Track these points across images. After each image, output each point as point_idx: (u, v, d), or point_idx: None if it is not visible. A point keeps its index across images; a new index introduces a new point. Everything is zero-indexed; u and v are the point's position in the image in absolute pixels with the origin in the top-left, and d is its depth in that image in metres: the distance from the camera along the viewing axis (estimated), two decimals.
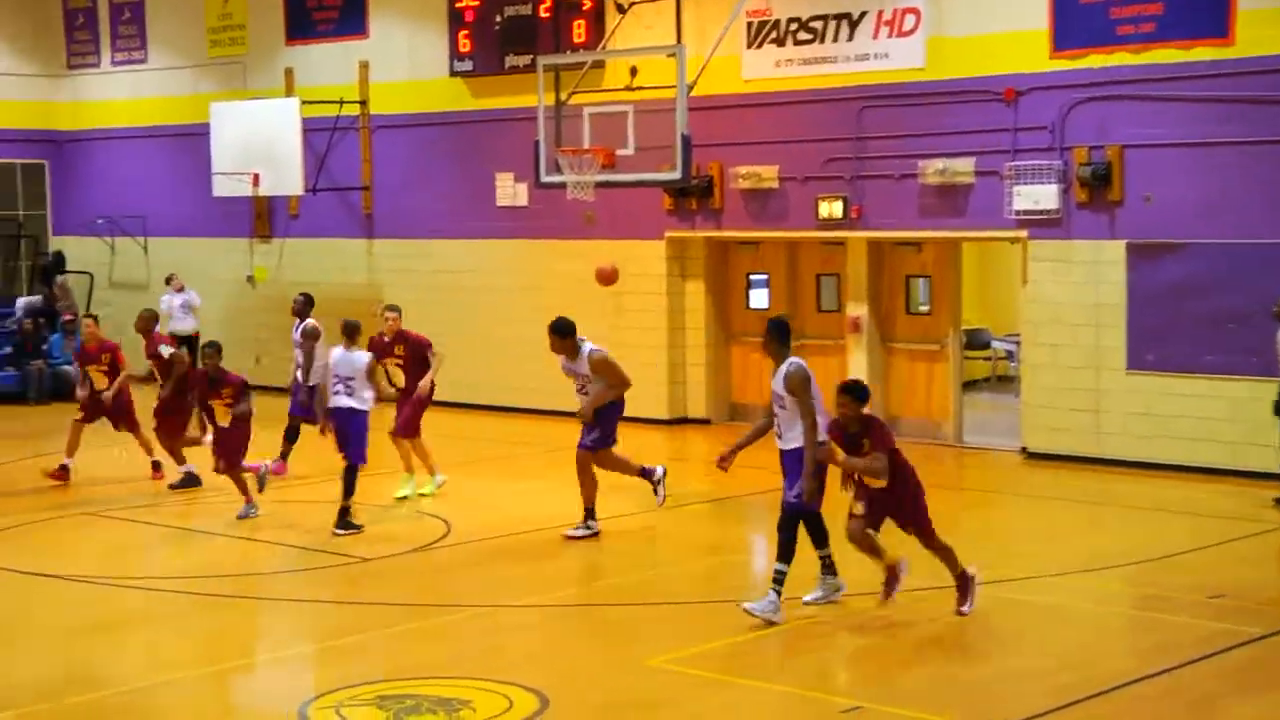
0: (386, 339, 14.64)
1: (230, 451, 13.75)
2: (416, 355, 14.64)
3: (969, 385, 20.02)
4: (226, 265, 23.65)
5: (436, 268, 21.22)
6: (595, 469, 12.90)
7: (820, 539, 10.37)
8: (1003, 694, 8.68)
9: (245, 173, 20.92)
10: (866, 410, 10.08)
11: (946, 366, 17.81)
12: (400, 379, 14.57)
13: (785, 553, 9.96)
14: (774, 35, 18.01)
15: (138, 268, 24.49)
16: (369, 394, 13.20)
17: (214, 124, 21.50)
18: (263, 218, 23.20)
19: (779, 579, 9.89)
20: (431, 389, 14.68)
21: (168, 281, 22.83)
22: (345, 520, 12.91)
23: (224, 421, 13.74)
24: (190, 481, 14.99)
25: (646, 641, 9.79)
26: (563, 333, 12.81)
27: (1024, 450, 16.69)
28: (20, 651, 9.91)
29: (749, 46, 18.19)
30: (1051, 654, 9.39)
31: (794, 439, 10.08)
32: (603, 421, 12.86)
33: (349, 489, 12.93)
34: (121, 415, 15.40)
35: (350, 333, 13.35)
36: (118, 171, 24.93)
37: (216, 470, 13.90)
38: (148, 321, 15.52)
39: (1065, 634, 9.91)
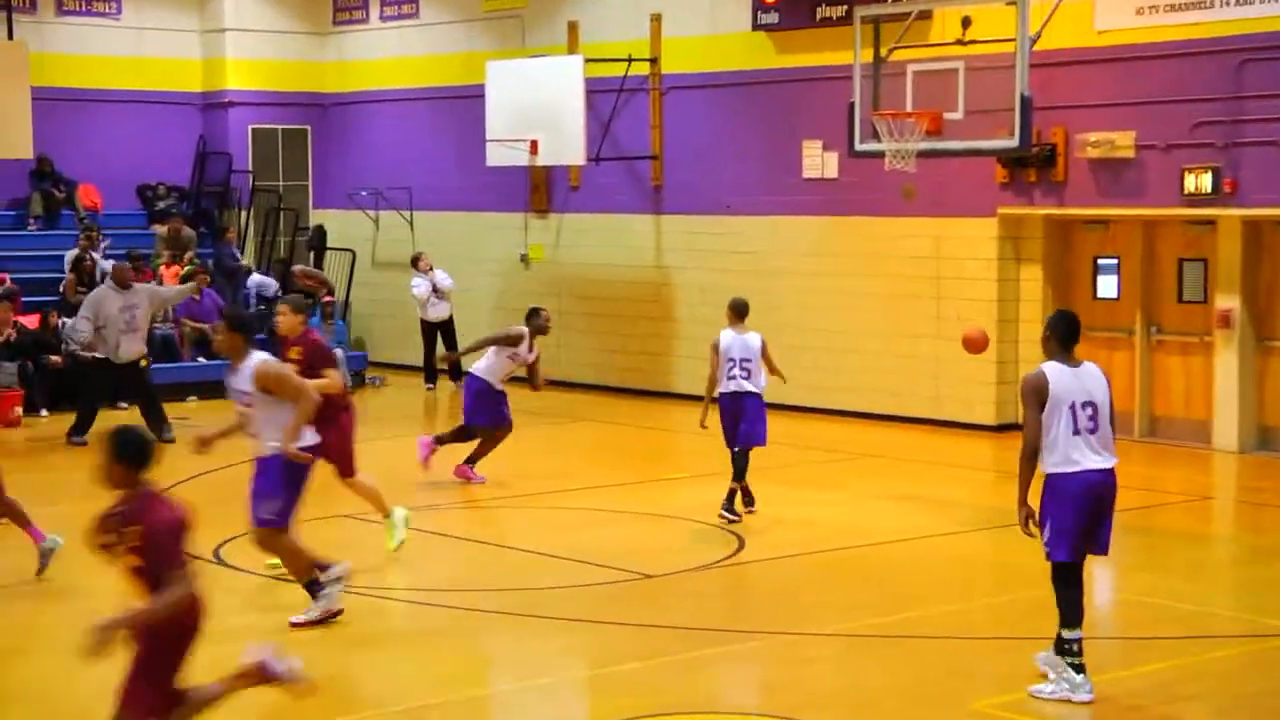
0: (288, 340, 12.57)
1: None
2: (316, 366, 12.24)
3: None
4: (498, 243, 24.17)
5: (733, 248, 21.25)
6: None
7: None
8: None
9: (523, 139, 21.30)
10: None
11: None
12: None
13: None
14: None
15: (403, 245, 25.24)
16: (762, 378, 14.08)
17: (489, 85, 21.92)
18: (540, 190, 23.62)
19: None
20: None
21: (414, 263, 23.44)
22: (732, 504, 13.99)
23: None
24: None
25: (970, 680, 9.58)
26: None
27: None
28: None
29: None
30: None
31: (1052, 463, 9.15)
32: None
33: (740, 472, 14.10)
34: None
35: (743, 314, 14.18)
36: (384, 138, 25.76)
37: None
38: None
39: None
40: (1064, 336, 9.27)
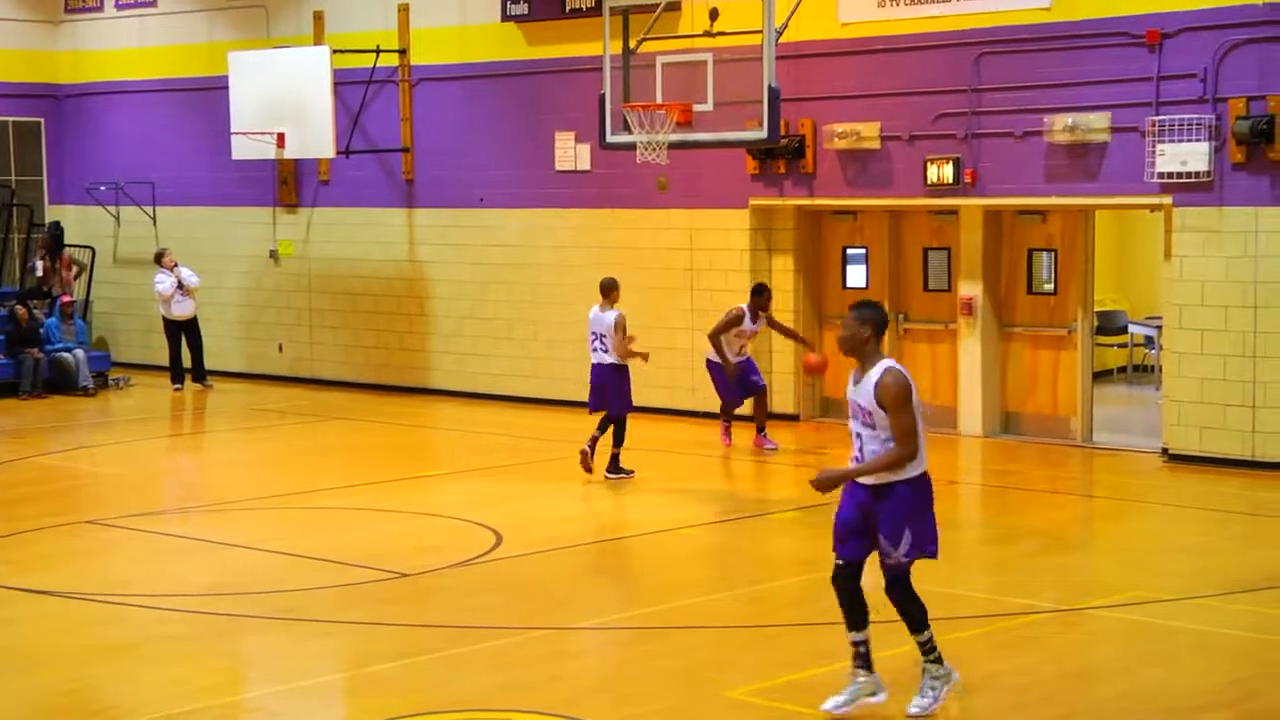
0: None
1: None
2: None
3: (1101, 376, 19.86)
4: (247, 238, 23.84)
5: (488, 241, 21.29)
6: None
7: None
8: None
9: (269, 133, 21.05)
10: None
11: (1075, 355, 17.67)
12: None
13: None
14: None
15: (146, 241, 24.73)
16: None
17: (232, 77, 21.62)
18: (289, 184, 23.36)
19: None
20: None
21: (158, 260, 23.03)
22: (617, 465, 15.63)
23: None
24: None
25: (727, 670, 9.78)
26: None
27: (1165, 452, 16.52)
28: (17, 680, 10.02)
29: None
30: (1202, 688, 9.28)
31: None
32: None
33: (619, 438, 15.68)
34: None
35: (605, 292, 15.87)
36: (123, 131, 25.19)
37: None
38: None
39: (1218, 665, 9.80)
40: (883, 330, 8.76)
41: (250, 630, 10.99)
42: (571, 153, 20.45)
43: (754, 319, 17.37)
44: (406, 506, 14.83)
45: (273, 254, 23.60)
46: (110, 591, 11.85)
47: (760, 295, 17.49)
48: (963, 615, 10.73)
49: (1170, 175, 16.11)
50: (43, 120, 25.86)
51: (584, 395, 20.19)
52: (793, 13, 17.14)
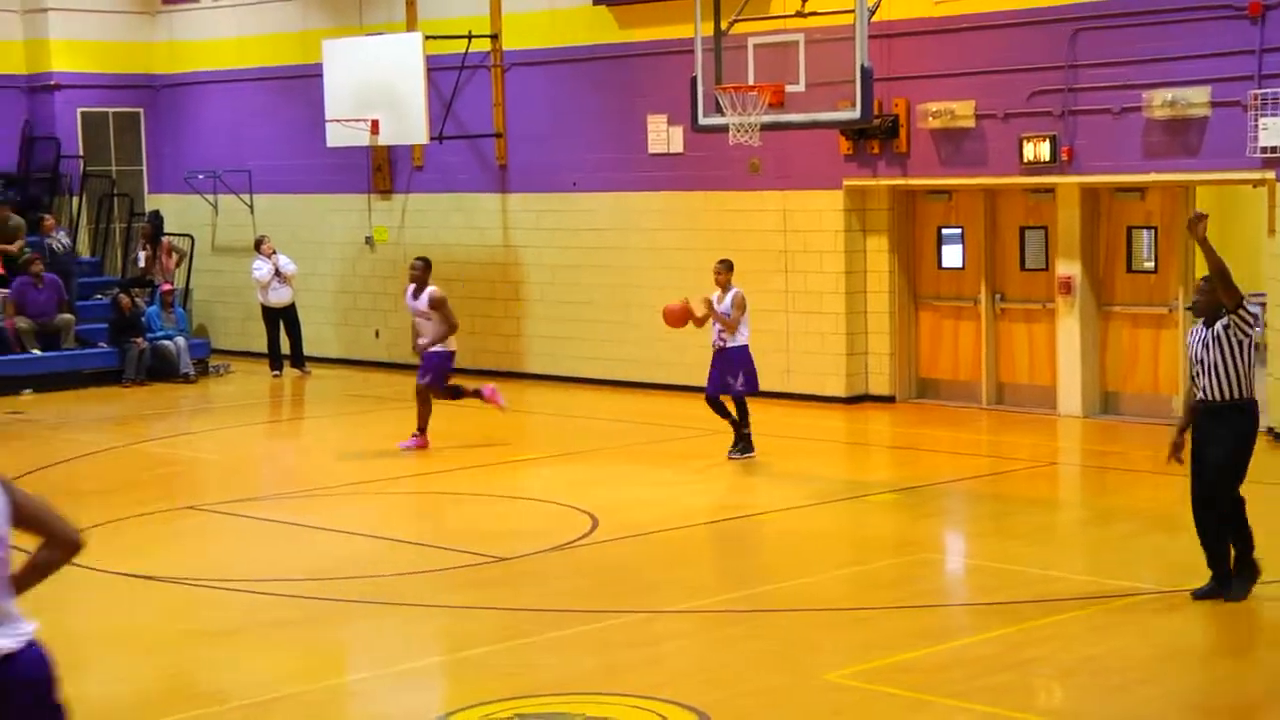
0: None
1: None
2: None
3: None
4: (342, 225, 24.07)
5: (580, 225, 21.36)
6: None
7: None
8: None
9: (363, 119, 21.23)
10: None
11: (1175, 334, 17.49)
12: None
13: None
14: None
15: (243, 229, 25.02)
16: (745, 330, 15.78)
17: (326, 64, 21.79)
18: (383, 171, 23.54)
19: None
20: None
21: (257, 246, 23.31)
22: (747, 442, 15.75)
23: None
24: None
25: (824, 653, 9.79)
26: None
27: (1271, 431, 16.31)
28: (120, 663, 10.22)
29: None
30: None
31: None
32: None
33: (744, 416, 15.76)
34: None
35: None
36: (220, 120, 25.49)
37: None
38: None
39: None
40: None
41: (349, 614, 11.13)
42: (664, 135, 20.47)
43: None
44: (502, 490, 14.94)
45: (368, 240, 23.81)
46: (211, 576, 12.04)
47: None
48: (1061, 598, 10.67)
49: (1273, 150, 15.89)
50: (142, 111, 26.21)
51: (678, 378, 20.28)
52: None
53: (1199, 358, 10.23)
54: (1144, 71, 16.78)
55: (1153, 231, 17.71)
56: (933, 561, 12.62)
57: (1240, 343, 10.16)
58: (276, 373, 23.25)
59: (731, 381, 15.73)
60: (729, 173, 19.71)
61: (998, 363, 18.74)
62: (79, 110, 25.56)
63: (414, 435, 16.72)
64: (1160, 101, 16.60)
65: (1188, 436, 10.37)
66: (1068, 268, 17.91)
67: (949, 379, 19.18)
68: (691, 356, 20.09)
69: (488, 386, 17.33)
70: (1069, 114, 17.32)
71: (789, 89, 16.60)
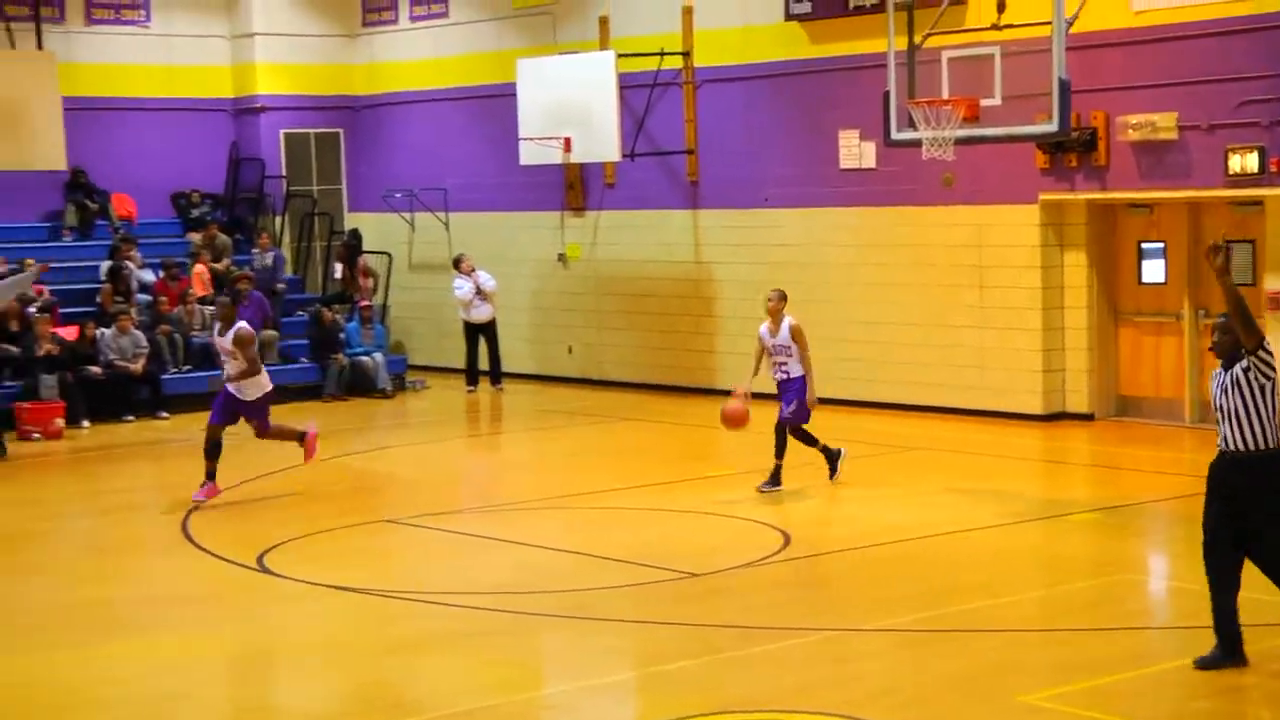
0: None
1: None
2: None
3: None
4: (535, 242, 24.32)
5: (771, 241, 21.33)
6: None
7: None
8: None
9: (556, 137, 21.44)
10: None
11: None
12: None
13: None
14: None
15: (439, 246, 25.41)
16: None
17: (520, 83, 22.06)
18: (575, 188, 23.75)
19: None
20: None
21: (456, 265, 23.61)
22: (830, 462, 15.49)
23: None
24: None
25: (1019, 675, 9.65)
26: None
27: None
28: (317, 673, 10.42)
29: None
30: None
31: None
32: None
33: (811, 440, 15.42)
34: None
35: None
36: (417, 139, 25.93)
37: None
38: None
39: None
40: None
41: (543, 628, 11.23)
42: (856, 150, 20.37)
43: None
44: (695, 506, 14.96)
45: (561, 257, 24.02)
46: (407, 588, 12.23)
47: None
48: (1269, 623, 10.37)
49: None
50: (341, 131, 26.77)
51: (870, 394, 20.15)
52: (1083, 3, 16.79)
53: (1218, 404, 9.58)
54: None
55: None
56: (1134, 583, 12.37)
57: (1263, 386, 9.40)
58: (471, 388, 23.55)
59: (785, 407, 15.28)
60: (921, 187, 19.54)
61: (1202, 380, 18.31)
62: (281, 132, 26.21)
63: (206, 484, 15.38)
64: None
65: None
66: (1277, 282, 17.43)
67: (1151, 396, 18.79)
68: (884, 373, 19.98)
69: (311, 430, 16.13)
70: (1278, 124, 16.87)
71: (984, 103, 16.42)
